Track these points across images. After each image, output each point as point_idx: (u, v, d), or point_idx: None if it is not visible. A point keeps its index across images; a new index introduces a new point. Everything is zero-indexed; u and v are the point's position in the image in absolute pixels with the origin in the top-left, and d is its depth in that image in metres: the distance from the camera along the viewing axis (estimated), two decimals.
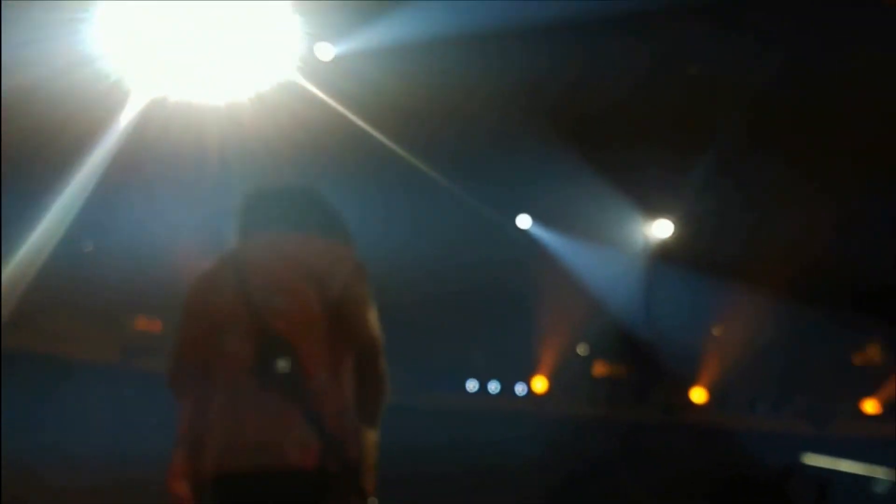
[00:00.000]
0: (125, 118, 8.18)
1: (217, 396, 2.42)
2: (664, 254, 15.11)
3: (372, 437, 2.49)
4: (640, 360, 16.32)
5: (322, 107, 8.86)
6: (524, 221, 14.15)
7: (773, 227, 13.28)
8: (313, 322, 2.40)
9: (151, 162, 8.92)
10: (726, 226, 13.68)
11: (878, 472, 7.26)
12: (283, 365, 2.33)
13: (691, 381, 16.60)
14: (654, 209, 13.99)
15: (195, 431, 2.44)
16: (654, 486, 11.59)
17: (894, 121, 9.82)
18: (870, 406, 17.25)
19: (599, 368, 16.34)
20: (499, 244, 13.69)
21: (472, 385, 15.53)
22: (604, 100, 10.02)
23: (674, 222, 14.20)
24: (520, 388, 15.84)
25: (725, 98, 10.20)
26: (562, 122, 10.64)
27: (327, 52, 8.57)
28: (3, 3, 6.62)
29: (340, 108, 8.99)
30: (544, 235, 14.67)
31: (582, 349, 16.36)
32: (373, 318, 2.50)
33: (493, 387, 15.71)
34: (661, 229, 14.39)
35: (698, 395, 16.56)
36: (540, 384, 15.56)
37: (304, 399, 2.32)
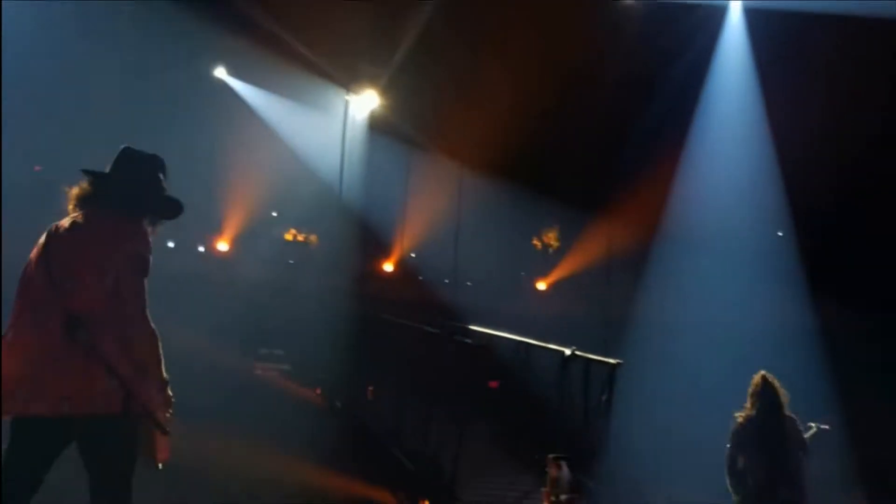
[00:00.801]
0: None
1: (33, 355, 3.24)
2: (371, 124, 15.11)
3: (161, 383, 3.41)
4: (336, 228, 16.49)
5: None
6: (220, 72, 13.46)
7: (472, 110, 13.72)
8: (98, 300, 3.25)
9: None
10: (428, 102, 13.90)
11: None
12: (80, 334, 3.20)
13: (387, 252, 17.17)
14: (360, 80, 13.85)
15: (12, 382, 3.27)
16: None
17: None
18: (543, 284, 19.25)
19: (290, 234, 16.25)
20: (193, 96, 12.99)
21: None
22: None
23: (380, 94, 14.13)
24: (201, 247, 15.35)
25: None
26: None
27: None
28: None
29: None
30: (243, 89, 13.92)
31: (275, 212, 16.15)
32: (138, 294, 3.33)
33: (170, 244, 15.05)
34: (368, 100, 14.31)
35: (391, 265, 17.22)
36: (223, 244, 15.18)
37: (101, 359, 3.21)
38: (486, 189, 17.82)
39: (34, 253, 3.41)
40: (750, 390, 6.22)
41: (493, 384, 10.85)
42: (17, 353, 3.28)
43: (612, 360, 7.74)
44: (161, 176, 3.59)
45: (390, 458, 8.40)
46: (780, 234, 16.73)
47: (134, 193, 3.45)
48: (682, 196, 16.40)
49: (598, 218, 18.38)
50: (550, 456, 2.75)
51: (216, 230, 15.53)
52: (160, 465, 3.38)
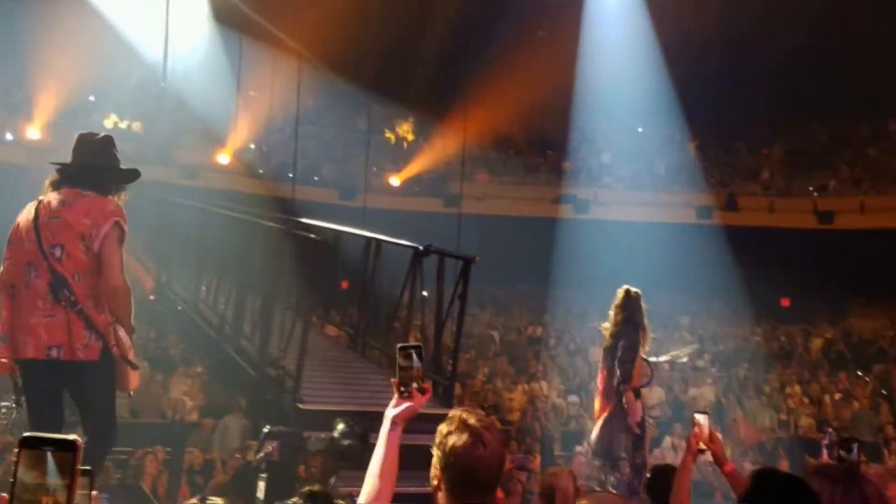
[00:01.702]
0: None
1: (25, 309, 4.05)
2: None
3: (130, 329, 4.15)
4: (161, 115, 15.38)
5: None
6: None
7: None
8: (81, 266, 4.05)
9: None
10: None
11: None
12: (65, 294, 3.99)
13: (222, 143, 16.24)
14: None
15: (7, 332, 4.11)
16: None
17: None
18: (397, 179, 18.97)
19: (111, 120, 14.97)
20: None
21: None
22: None
23: None
24: (9, 135, 13.88)
25: None
26: None
27: None
28: None
29: None
30: None
31: (92, 96, 14.76)
32: (117, 260, 4.09)
33: None
34: None
35: (227, 156, 16.33)
36: (34, 131, 13.75)
37: (82, 316, 4.00)
38: (332, 83, 17.13)
39: (23, 220, 4.13)
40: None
41: (344, 284, 10.62)
42: (13, 303, 4.07)
43: (466, 256, 7.64)
44: (115, 152, 4.29)
45: (229, 359, 8.03)
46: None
47: (101, 176, 4.17)
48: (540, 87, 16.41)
49: (454, 112, 18.18)
50: (399, 345, 2.54)
51: (25, 116, 14.02)
52: (131, 393, 4.26)
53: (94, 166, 4.14)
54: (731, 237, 16.19)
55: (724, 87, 17.19)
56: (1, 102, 14.07)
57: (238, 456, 7.55)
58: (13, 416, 4.45)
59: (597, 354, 14.98)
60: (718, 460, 3.43)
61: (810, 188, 18.54)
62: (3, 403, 4.85)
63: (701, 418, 3.48)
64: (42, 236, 4.01)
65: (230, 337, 8.25)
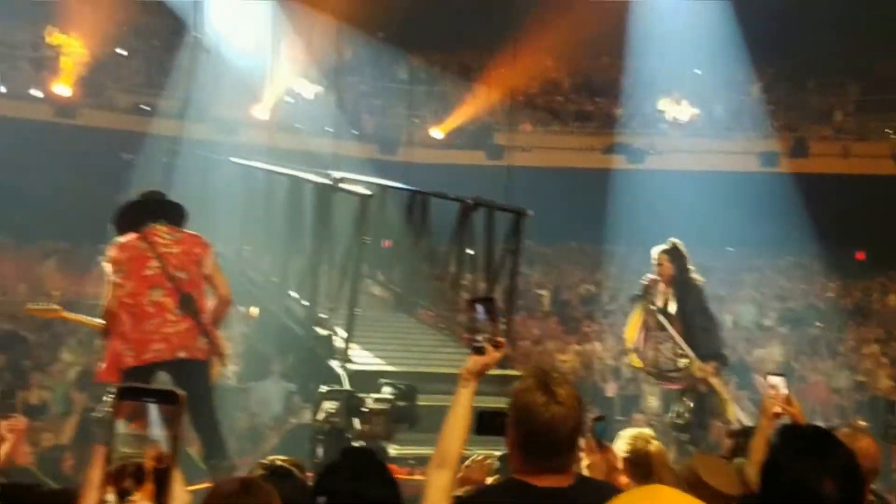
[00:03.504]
0: None
1: (156, 322, 5.16)
2: None
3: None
4: (193, 70, 15.52)
5: None
6: None
7: None
8: (199, 285, 5.32)
9: None
10: None
11: None
12: (191, 309, 5.19)
13: (258, 98, 16.34)
14: None
15: (131, 342, 5.15)
16: None
17: None
18: (441, 131, 18.92)
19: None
20: None
21: None
22: None
23: None
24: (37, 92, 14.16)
25: None
26: None
27: None
28: None
29: None
30: None
31: (124, 50, 14.97)
32: (222, 278, 5.48)
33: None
34: None
35: (265, 112, 16.44)
36: (64, 88, 13.99)
37: (199, 323, 5.23)
38: (372, 32, 17.06)
39: (134, 252, 5.17)
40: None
41: (386, 243, 10.69)
42: (135, 319, 5.10)
43: (518, 209, 7.66)
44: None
45: (274, 320, 8.20)
46: None
47: (180, 213, 5.47)
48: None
49: (498, 59, 18.01)
50: (468, 298, 2.59)
51: (53, 72, 14.25)
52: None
53: (176, 206, 5.46)
54: (799, 185, 15.85)
55: (791, 20, 16.67)
56: (29, 58, 14.32)
57: (293, 420, 7.74)
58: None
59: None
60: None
61: (887, 130, 18.00)
62: (100, 408, 5.40)
63: (777, 380, 3.47)
64: (166, 263, 5.17)
65: (276, 297, 8.41)
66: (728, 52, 17.03)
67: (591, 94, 20.26)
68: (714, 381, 6.48)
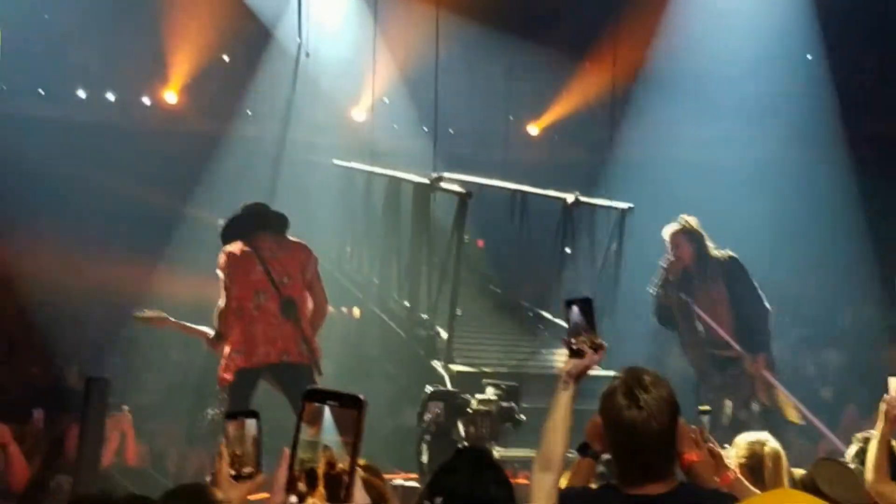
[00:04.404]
0: None
1: (261, 326, 5.46)
2: None
3: None
4: (284, 69, 15.93)
5: None
6: None
7: None
8: (301, 291, 5.55)
9: None
10: None
11: None
12: (292, 313, 5.43)
13: (355, 99, 16.66)
14: None
15: (240, 345, 5.47)
16: None
17: None
18: (535, 128, 18.89)
19: None
20: None
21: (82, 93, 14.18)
22: None
23: None
24: (146, 99, 14.80)
25: None
26: None
27: None
28: None
29: None
30: None
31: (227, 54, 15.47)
32: (322, 286, 5.75)
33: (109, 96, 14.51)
34: None
35: (361, 112, 16.77)
36: (171, 94, 14.59)
37: (299, 328, 5.49)
38: (469, 28, 17.13)
39: (240, 258, 5.47)
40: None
41: (480, 243, 10.76)
42: (243, 322, 5.43)
43: (620, 205, 7.60)
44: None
45: (375, 320, 8.37)
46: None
47: (283, 223, 5.73)
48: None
49: (599, 50, 17.80)
50: (566, 299, 2.61)
51: (161, 79, 14.90)
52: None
53: (279, 216, 5.73)
54: None
55: None
56: (138, 66, 14.97)
57: (395, 422, 7.90)
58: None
59: None
60: None
61: None
62: (209, 411, 5.67)
63: None
64: (271, 268, 5.42)
65: (376, 298, 8.59)
66: (841, 35, 16.30)
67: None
68: (768, 377, 5.89)
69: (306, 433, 1.29)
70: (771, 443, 3.43)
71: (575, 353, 2.65)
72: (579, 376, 2.65)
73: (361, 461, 2.70)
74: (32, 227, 12.04)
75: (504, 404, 4.90)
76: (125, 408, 5.76)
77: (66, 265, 11.66)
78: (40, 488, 4.85)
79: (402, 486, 4.66)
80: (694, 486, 2.67)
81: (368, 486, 2.42)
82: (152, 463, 6.76)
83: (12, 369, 10.39)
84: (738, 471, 3.16)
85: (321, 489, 1.27)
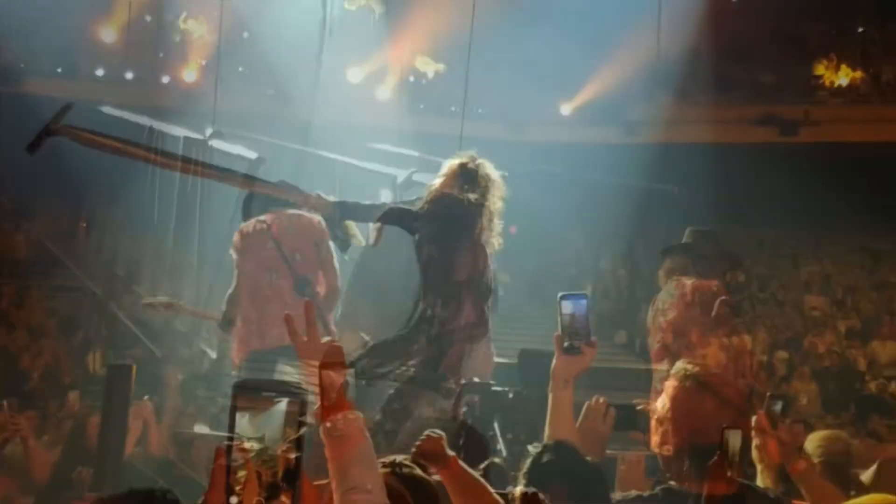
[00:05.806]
0: None
1: (274, 305, 5.28)
2: None
3: None
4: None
5: None
6: None
7: None
8: (315, 267, 5.47)
9: None
10: None
11: None
12: (307, 290, 5.32)
13: (382, 76, 16.58)
14: None
15: (254, 325, 5.42)
16: None
17: None
18: (568, 108, 18.68)
19: None
20: None
21: None
22: None
23: None
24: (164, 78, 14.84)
25: None
26: None
27: None
28: None
29: None
30: None
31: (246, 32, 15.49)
32: (335, 266, 5.61)
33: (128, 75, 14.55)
34: None
35: (387, 90, 16.71)
36: (191, 73, 14.62)
37: (316, 307, 4.77)
38: (494, 9, 16.92)
39: (252, 234, 5.45)
40: None
41: (512, 229, 10.66)
42: (262, 301, 5.36)
43: (658, 189, 7.52)
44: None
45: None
46: None
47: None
48: None
49: (631, 29, 17.59)
50: (560, 294, 2.57)
51: (181, 57, 14.94)
52: None
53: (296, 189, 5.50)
54: None
55: None
56: (160, 44, 14.99)
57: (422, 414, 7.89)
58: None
59: (813, 302, 14.30)
60: None
61: None
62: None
63: None
64: (281, 243, 5.38)
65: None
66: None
67: (735, 58, 19.47)
68: None
69: (243, 428, 1.22)
70: (847, 439, 3.38)
71: (570, 351, 2.63)
72: (575, 376, 2.69)
73: (402, 458, 2.58)
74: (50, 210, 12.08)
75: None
76: (146, 398, 5.80)
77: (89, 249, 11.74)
78: (62, 482, 4.88)
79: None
80: (753, 487, 2.62)
81: (417, 482, 2.37)
82: (176, 452, 6.80)
83: (33, 356, 10.52)
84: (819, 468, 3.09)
85: (259, 488, 1.23)
